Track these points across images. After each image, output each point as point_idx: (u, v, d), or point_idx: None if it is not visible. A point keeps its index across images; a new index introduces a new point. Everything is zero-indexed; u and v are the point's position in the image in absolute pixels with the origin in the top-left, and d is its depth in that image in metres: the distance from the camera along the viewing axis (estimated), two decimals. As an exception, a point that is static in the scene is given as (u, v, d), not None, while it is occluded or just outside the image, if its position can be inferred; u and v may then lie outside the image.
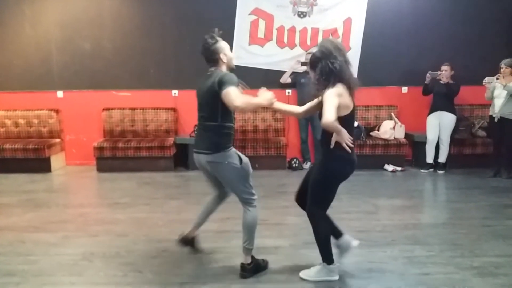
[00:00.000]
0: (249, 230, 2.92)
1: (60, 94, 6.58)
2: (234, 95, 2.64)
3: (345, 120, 2.66)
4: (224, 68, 2.85)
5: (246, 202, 2.91)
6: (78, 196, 5.36)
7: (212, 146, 2.80)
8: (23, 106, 6.52)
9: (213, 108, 2.77)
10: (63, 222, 4.07)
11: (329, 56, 2.63)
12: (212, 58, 2.81)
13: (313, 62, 2.73)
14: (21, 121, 6.52)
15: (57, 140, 6.47)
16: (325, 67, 2.62)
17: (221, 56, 2.83)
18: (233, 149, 2.88)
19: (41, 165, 6.10)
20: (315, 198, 2.81)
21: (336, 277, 2.88)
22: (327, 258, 2.87)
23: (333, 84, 2.63)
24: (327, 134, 2.69)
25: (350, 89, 2.69)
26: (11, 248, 3.46)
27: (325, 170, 2.77)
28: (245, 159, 2.91)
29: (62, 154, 6.61)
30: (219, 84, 2.68)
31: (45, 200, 4.82)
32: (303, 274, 2.95)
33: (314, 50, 6.59)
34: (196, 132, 3.04)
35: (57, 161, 6.38)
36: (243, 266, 2.95)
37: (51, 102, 6.56)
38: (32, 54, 6.47)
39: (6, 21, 6.40)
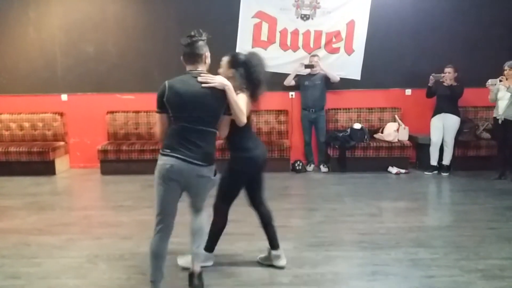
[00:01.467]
0: (204, 232, 2.82)
1: (64, 97, 6.62)
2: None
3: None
4: (205, 70, 2.62)
5: (204, 208, 2.76)
6: (82, 198, 5.38)
7: (208, 157, 2.53)
8: (27, 109, 6.56)
9: (216, 113, 2.56)
10: (68, 225, 4.09)
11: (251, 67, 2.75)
12: (199, 54, 2.53)
13: (235, 63, 2.77)
14: (26, 124, 6.56)
15: (62, 143, 6.50)
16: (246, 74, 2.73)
17: (207, 54, 2.59)
18: None
19: (46, 168, 6.13)
20: (220, 195, 2.93)
21: (211, 263, 3.10)
22: (211, 247, 3.05)
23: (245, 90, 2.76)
24: (231, 137, 2.78)
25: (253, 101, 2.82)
26: (15, 251, 3.48)
27: (230, 171, 2.89)
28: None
29: (67, 157, 6.64)
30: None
31: (50, 203, 4.83)
32: (181, 261, 3.09)
33: (318, 52, 6.62)
34: (178, 136, 2.50)
35: (61, 164, 6.41)
36: (200, 275, 2.76)
37: (55, 105, 6.59)
38: (37, 57, 6.52)
39: (11, 25, 6.45)
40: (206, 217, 2.80)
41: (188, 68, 2.57)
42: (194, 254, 2.77)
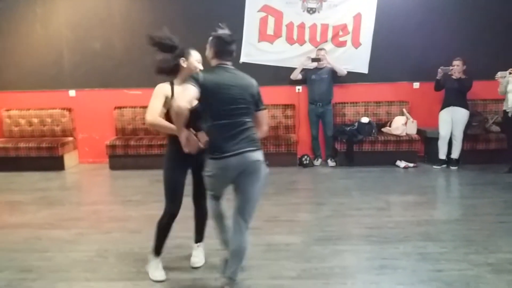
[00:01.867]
0: (243, 256, 2.61)
1: (72, 93, 6.66)
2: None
3: None
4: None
5: (251, 218, 2.61)
6: (91, 193, 5.43)
7: (255, 142, 2.53)
8: (36, 105, 6.62)
9: (251, 107, 2.55)
10: (77, 220, 4.13)
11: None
12: (233, 51, 2.56)
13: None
14: (35, 120, 6.62)
15: (70, 138, 6.55)
16: None
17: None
18: None
19: (55, 163, 6.18)
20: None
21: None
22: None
23: None
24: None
25: None
26: (26, 245, 3.53)
27: None
28: None
29: (75, 152, 6.69)
30: (258, 95, 2.59)
31: (59, 198, 4.88)
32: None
33: (324, 46, 6.57)
34: (223, 133, 2.46)
35: (70, 159, 6.46)
36: None
37: (63, 101, 6.64)
38: (44, 54, 6.56)
39: (18, 21, 6.49)
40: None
41: (218, 62, 2.53)
42: (228, 281, 2.57)
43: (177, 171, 2.78)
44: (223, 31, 2.55)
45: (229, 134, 2.45)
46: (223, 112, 2.45)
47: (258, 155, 2.51)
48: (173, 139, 2.64)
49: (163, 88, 2.77)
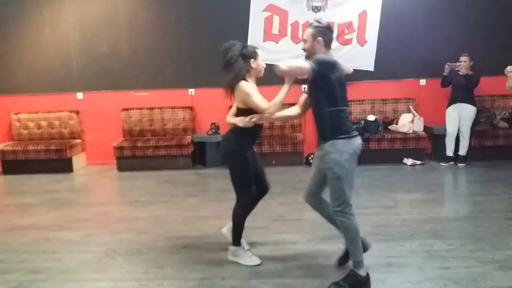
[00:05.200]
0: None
1: (80, 95, 6.72)
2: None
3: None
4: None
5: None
6: (100, 195, 5.47)
7: None
8: (44, 108, 6.69)
9: None
10: (86, 221, 4.18)
11: None
12: None
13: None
14: (43, 123, 6.69)
15: (78, 140, 6.62)
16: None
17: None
18: None
19: (63, 166, 6.25)
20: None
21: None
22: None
23: None
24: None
25: None
26: (36, 246, 3.57)
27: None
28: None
29: (83, 154, 6.76)
30: None
31: (68, 200, 4.94)
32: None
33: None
34: (347, 117, 2.84)
35: (78, 161, 6.53)
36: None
37: (71, 103, 6.71)
38: (52, 57, 6.63)
39: (26, 25, 6.56)
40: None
41: (327, 52, 2.79)
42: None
43: (250, 160, 3.02)
44: (322, 21, 2.76)
45: (348, 118, 2.76)
46: (345, 99, 2.71)
47: None
48: (246, 131, 2.93)
49: (252, 85, 2.92)
